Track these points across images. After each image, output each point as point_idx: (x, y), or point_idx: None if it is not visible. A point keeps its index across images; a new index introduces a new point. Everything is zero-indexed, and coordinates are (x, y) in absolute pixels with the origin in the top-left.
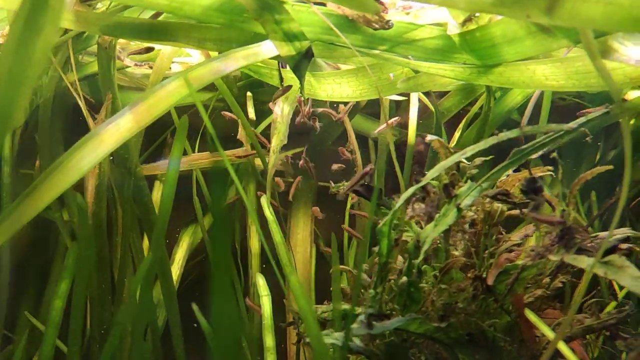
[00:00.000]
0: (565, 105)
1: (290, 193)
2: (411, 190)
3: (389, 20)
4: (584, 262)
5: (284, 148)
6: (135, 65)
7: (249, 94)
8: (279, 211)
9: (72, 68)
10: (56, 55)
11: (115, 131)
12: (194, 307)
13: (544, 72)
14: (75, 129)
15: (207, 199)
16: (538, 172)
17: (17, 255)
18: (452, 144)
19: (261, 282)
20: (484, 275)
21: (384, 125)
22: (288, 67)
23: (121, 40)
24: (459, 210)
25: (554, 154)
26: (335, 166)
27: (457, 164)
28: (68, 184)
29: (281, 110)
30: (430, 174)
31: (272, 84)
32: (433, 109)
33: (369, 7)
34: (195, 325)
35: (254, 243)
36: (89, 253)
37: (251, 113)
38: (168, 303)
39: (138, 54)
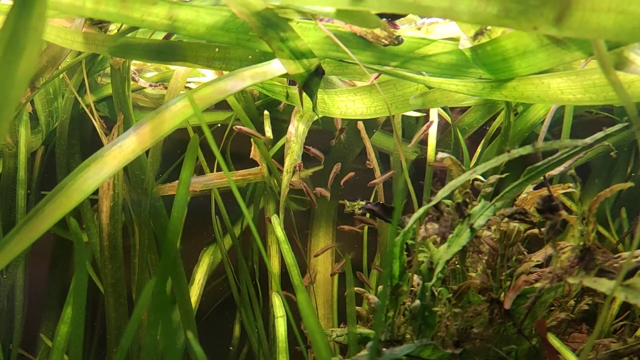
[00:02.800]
0: (592, 120)
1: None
2: (422, 209)
3: (399, 36)
4: (604, 285)
5: (304, 167)
6: (150, 86)
7: (266, 112)
8: (295, 230)
9: (87, 90)
10: (71, 78)
11: (118, 153)
12: (189, 335)
13: (559, 85)
14: (94, 149)
15: (225, 219)
16: (559, 189)
17: (41, 276)
18: (474, 161)
19: (277, 302)
20: (502, 299)
21: (413, 141)
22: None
23: (137, 62)
24: (473, 230)
25: (572, 171)
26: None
27: (473, 182)
28: (71, 206)
29: (295, 129)
30: (441, 192)
31: (287, 102)
32: (452, 125)
33: (371, 23)
34: (232, 348)
35: (274, 263)
36: (83, 277)
37: (268, 132)
38: (187, 326)
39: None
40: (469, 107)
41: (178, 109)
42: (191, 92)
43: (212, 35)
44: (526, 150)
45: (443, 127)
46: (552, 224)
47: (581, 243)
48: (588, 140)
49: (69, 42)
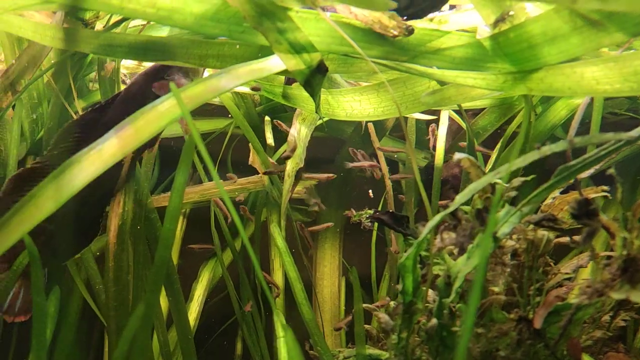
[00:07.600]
0: (617, 121)
1: None
2: (438, 217)
3: (409, 26)
4: None
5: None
6: None
7: (267, 118)
8: (298, 242)
9: (74, 93)
10: (57, 81)
11: (96, 158)
12: None
13: (595, 74)
14: None
15: (225, 232)
16: (590, 192)
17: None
18: (489, 166)
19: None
20: (530, 317)
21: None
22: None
23: (128, 65)
24: (496, 239)
25: (612, 171)
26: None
27: (493, 186)
28: (37, 220)
29: (297, 132)
30: (460, 197)
31: (288, 104)
32: (467, 127)
33: (380, 5)
34: None
35: (278, 277)
36: (42, 301)
37: (269, 139)
38: (184, 346)
39: None
40: (483, 109)
41: (165, 109)
42: (180, 90)
43: (201, 27)
44: (560, 146)
45: (454, 132)
46: (590, 231)
47: (624, 252)
48: (634, 133)
49: (48, 38)
